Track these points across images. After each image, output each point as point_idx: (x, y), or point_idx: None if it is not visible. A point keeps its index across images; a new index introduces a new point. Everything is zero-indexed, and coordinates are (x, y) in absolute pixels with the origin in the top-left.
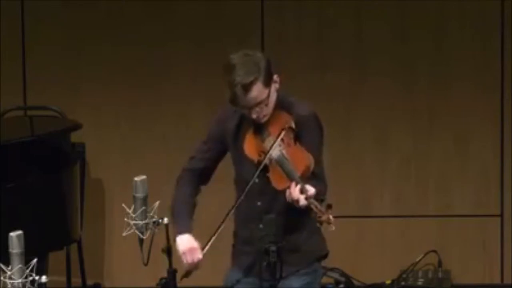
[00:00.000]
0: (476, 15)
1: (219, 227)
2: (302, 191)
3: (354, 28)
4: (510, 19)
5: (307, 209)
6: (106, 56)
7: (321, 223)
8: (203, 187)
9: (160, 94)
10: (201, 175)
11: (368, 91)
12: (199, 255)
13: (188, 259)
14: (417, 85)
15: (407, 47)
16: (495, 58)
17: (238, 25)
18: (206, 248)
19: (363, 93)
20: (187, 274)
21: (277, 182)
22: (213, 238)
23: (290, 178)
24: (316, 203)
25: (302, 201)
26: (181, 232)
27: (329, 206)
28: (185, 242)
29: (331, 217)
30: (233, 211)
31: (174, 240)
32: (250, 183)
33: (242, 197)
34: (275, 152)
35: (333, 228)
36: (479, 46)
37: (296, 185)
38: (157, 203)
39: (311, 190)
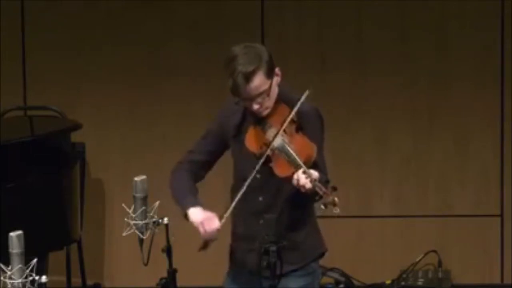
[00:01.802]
0: (476, 15)
1: (234, 198)
2: (307, 175)
3: (354, 28)
4: (510, 19)
5: (312, 193)
6: (106, 56)
7: (326, 205)
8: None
9: (160, 94)
10: (198, 168)
11: (368, 91)
12: (216, 224)
13: (206, 228)
14: (417, 85)
15: (407, 47)
16: (495, 58)
17: (238, 25)
18: (225, 217)
19: (363, 93)
20: (205, 245)
21: (280, 169)
22: (231, 208)
23: (294, 164)
24: (320, 185)
25: (308, 185)
26: (192, 205)
27: (334, 188)
28: (200, 213)
29: (336, 199)
30: (242, 192)
31: (186, 217)
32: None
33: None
34: (277, 141)
35: (338, 210)
36: (479, 46)
37: (301, 170)
38: (157, 203)
39: (315, 173)
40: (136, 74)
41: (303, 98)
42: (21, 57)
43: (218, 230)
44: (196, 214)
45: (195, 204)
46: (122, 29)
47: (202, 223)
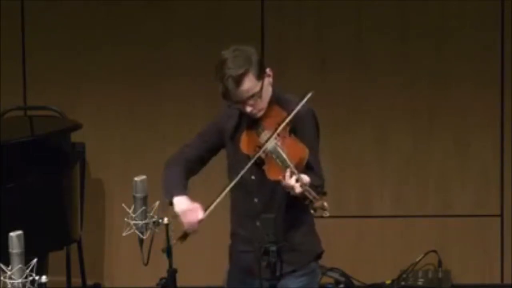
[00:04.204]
0: (476, 15)
1: (221, 192)
2: (297, 179)
3: (354, 28)
4: (510, 19)
5: (302, 197)
6: (106, 56)
7: (315, 210)
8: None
9: (160, 94)
10: (192, 162)
11: (368, 91)
12: (200, 215)
13: (188, 217)
14: (417, 85)
15: (407, 47)
16: (495, 58)
17: (238, 25)
18: (209, 210)
19: (363, 93)
20: (185, 236)
21: (271, 172)
22: (216, 201)
23: (285, 167)
24: (310, 189)
25: (298, 189)
26: (177, 194)
27: (323, 193)
28: (184, 201)
29: (325, 203)
30: (232, 185)
31: (170, 204)
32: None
33: (237, 178)
34: (270, 144)
35: (327, 214)
36: (479, 46)
37: (291, 173)
38: (157, 203)
39: (305, 178)
40: (136, 74)
41: (303, 102)
42: (21, 57)
43: (200, 222)
44: (181, 203)
45: (181, 193)
46: (122, 29)
47: (185, 212)
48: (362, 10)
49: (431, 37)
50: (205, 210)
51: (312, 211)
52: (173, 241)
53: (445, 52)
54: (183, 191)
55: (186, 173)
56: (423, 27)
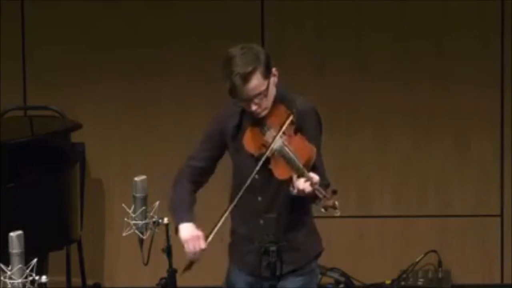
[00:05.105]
0: (476, 15)
1: (222, 216)
2: (307, 178)
3: (354, 28)
4: (510, 19)
5: (313, 196)
6: (106, 56)
7: (326, 208)
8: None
9: (160, 94)
10: (200, 175)
11: (368, 91)
12: (202, 244)
13: (191, 247)
14: (417, 85)
15: (407, 47)
16: (495, 58)
17: (238, 25)
18: (210, 237)
19: (363, 93)
20: (190, 265)
21: (279, 172)
22: (217, 227)
23: (293, 167)
24: (321, 189)
25: (308, 188)
26: (183, 220)
27: (334, 192)
28: (188, 230)
29: (336, 202)
30: (232, 206)
31: (177, 230)
32: (252, 176)
33: (241, 193)
34: (276, 143)
35: (338, 213)
36: (479, 46)
37: (300, 174)
38: (157, 203)
39: (315, 177)
40: (136, 74)
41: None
42: (21, 57)
43: (203, 250)
44: (185, 230)
45: (187, 219)
46: (122, 29)
47: (188, 241)
48: (362, 10)
49: (431, 37)
50: (206, 238)
51: (322, 210)
52: (181, 272)
53: (445, 52)
54: (189, 217)
55: (195, 188)
56: (423, 27)
